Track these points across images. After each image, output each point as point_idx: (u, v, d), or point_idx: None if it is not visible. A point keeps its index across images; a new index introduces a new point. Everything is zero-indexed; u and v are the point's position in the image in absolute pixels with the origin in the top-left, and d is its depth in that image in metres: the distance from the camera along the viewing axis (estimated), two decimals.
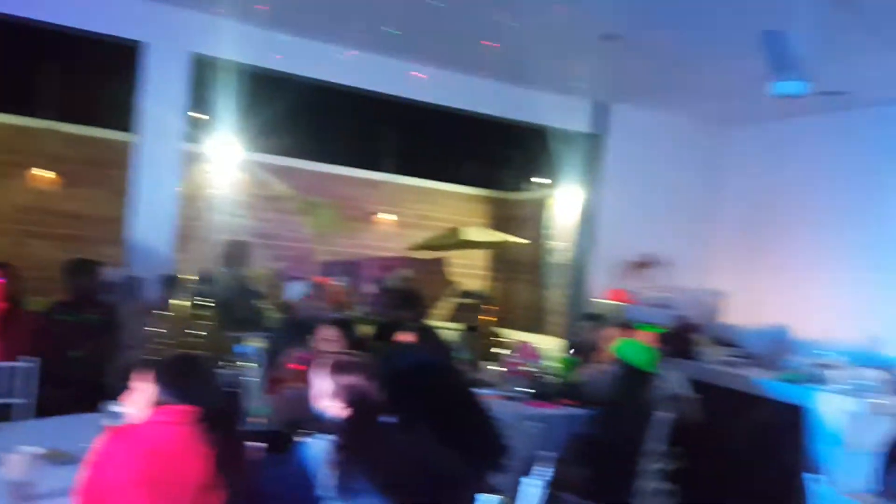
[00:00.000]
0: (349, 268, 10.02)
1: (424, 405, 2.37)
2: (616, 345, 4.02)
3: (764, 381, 4.91)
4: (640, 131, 6.31)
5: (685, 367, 5.02)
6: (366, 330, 5.46)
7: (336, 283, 9.09)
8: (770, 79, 3.47)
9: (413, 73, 5.50)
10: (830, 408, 4.39)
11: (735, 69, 4.85)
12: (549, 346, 6.05)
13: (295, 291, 5.40)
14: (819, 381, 4.57)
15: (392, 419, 2.17)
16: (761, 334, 5.83)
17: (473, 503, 2.23)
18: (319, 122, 8.06)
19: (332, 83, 5.52)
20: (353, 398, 2.15)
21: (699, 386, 4.84)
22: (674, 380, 4.38)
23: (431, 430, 2.30)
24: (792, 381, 4.74)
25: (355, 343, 3.31)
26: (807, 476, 3.21)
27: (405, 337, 3.02)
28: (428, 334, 3.15)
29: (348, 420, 2.14)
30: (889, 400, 4.26)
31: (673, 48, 4.68)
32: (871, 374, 4.37)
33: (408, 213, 10.75)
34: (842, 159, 5.74)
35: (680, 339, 5.45)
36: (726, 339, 5.93)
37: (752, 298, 6.14)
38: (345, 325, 3.59)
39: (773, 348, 5.57)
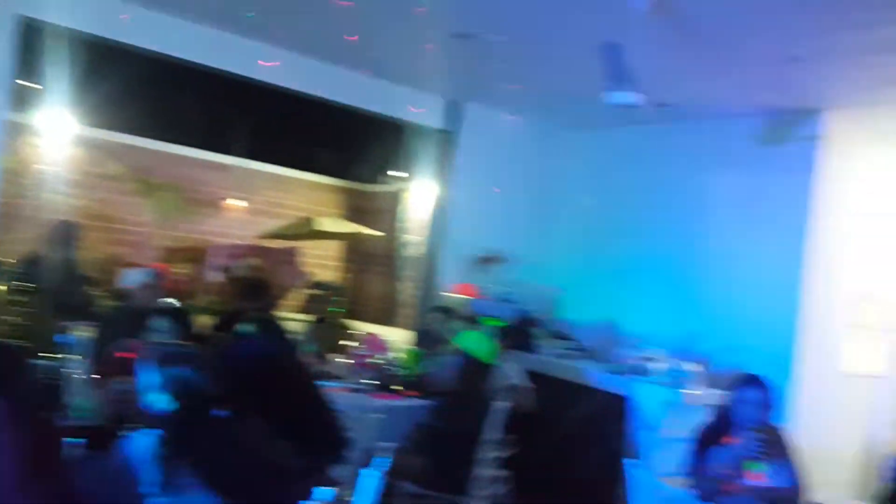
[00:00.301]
0: (194, 255, 9.59)
1: (261, 397, 2.33)
2: (459, 337, 4.14)
3: (593, 373, 5.24)
4: (490, 130, 6.50)
5: (524, 359, 5.27)
6: (208, 320, 5.26)
7: (178, 270, 8.67)
8: (606, 88, 3.70)
9: (262, 62, 5.34)
10: (650, 397, 4.77)
11: (576, 76, 5.10)
12: (399, 339, 6.12)
13: (132, 279, 5.09)
14: (642, 372, 4.95)
15: (223, 412, 2.11)
16: (593, 329, 6.22)
17: (310, 496, 2.22)
18: (165, 99, 7.58)
19: (181, 59, 5.23)
20: (180, 391, 2.07)
21: (536, 377, 5.10)
22: (512, 371, 4.58)
23: (268, 423, 2.26)
24: (618, 372, 5.10)
25: (190, 334, 3.19)
26: (627, 461, 3.46)
27: (246, 328, 2.94)
28: (270, 325, 3.09)
29: (175, 413, 2.06)
30: (702, 390, 4.68)
31: (520, 50, 4.85)
32: (687, 367, 4.79)
33: (259, 200, 10.43)
34: (667, 167, 6.21)
35: (520, 333, 5.71)
36: (562, 333, 6.27)
37: (587, 294, 6.53)
38: (179, 315, 3.45)
39: (604, 342, 5.96)
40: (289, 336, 3.34)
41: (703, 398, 4.53)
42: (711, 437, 3.38)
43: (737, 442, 3.24)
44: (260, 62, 5.35)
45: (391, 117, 6.32)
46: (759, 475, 3.29)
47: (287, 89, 5.77)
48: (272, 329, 2.96)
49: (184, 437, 2.05)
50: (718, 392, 3.64)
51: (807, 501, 3.28)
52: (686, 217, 6.04)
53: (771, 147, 5.52)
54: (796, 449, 3.45)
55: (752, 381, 3.38)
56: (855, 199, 5.56)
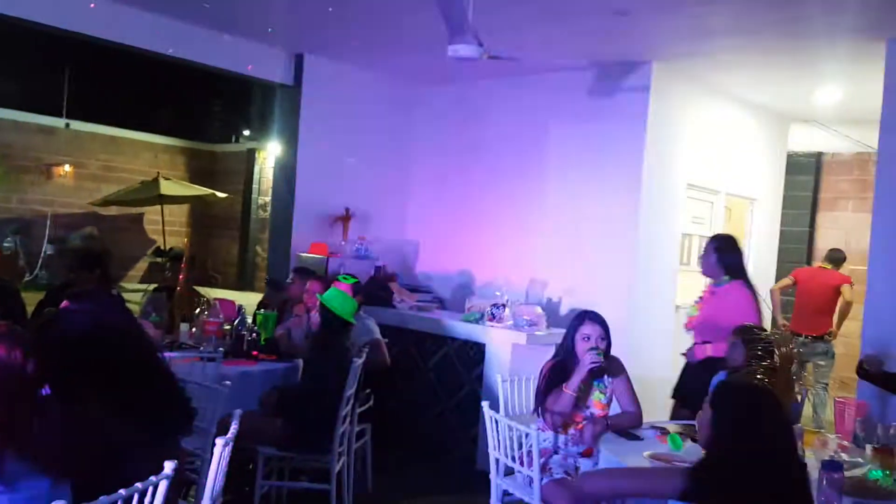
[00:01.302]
0: (21, 226, 8.81)
1: (94, 374, 2.19)
2: (318, 295, 4.09)
3: (450, 322, 5.38)
4: (337, 84, 6.38)
5: (381, 313, 5.32)
6: (37, 296, 4.88)
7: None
8: (449, 41, 3.72)
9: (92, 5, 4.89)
10: (501, 341, 4.98)
11: (422, 29, 5.09)
12: (252, 303, 5.97)
13: None
14: (493, 318, 5.14)
15: (48, 391, 1.97)
16: (448, 280, 6.37)
17: (159, 469, 2.13)
18: None
19: None
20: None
21: (393, 331, 5.17)
22: (369, 326, 4.61)
23: (103, 400, 2.14)
24: (472, 320, 5.26)
25: (10, 310, 2.94)
26: (483, 403, 3.60)
27: (76, 301, 2.74)
28: (99, 297, 2.89)
29: None
30: (544, 332, 4.94)
31: (363, 4, 4.77)
32: (531, 311, 5.03)
33: (93, 165, 9.70)
34: (513, 120, 6.41)
35: (376, 287, 5.74)
36: (418, 286, 6.38)
37: (442, 247, 6.67)
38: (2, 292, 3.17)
39: (458, 292, 6.13)
40: (123, 307, 3.14)
41: (549, 338, 4.78)
42: (557, 373, 3.58)
43: (580, 375, 3.45)
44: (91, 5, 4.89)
45: (235, 73, 6.04)
46: (602, 404, 3.54)
47: (120, 44, 5.35)
48: (102, 300, 2.77)
49: (6, 421, 1.90)
50: (562, 331, 3.85)
51: (646, 425, 3.56)
52: (532, 167, 6.27)
53: (604, 98, 5.81)
54: (632, 377, 3.74)
55: (590, 316, 3.60)
56: (679, 145, 6.00)
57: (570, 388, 3.44)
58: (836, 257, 6.72)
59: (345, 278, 4.53)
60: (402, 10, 4.86)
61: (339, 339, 4.00)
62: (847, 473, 2.83)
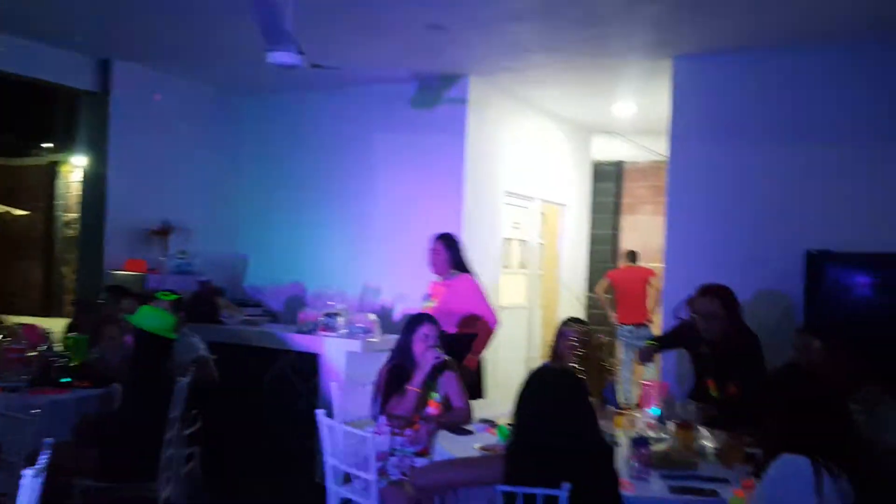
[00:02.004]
0: None
1: None
2: (133, 314, 3.86)
3: (283, 335, 5.29)
4: (151, 92, 6.05)
5: (209, 330, 5.11)
6: None
7: None
8: (267, 48, 3.68)
9: None
10: (336, 350, 4.98)
11: (241, 37, 4.98)
12: (59, 328, 5.50)
13: None
14: (327, 328, 5.12)
15: None
16: (279, 292, 6.26)
17: None
18: None
19: None
20: None
21: (222, 347, 4.99)
22: (194, 344, 4.41)
23: None
24: (305, 331, 5.21)
25: None
26: (318, 412, 3.58)
27: None
28: None
29: None
30: (378, 338, 5.01)
31: (177, 7, 4.58)
32: (364, 319, 5.09)
33: None
34: (339, 131, 6.43)
35: (201, 304, 5.51)
36: (248, 300, 6.20)
37: (272, 259, 6.53)
38: None
39: (290, 303, 6.04)
40: None
41: (384, 344, 4.85)
42: (396, 376, 3.64)
43: (423, 372, 3.54)
44: None
45: (35, 79, 5.55)
46: (436, 403, 3.65)
47: None
48: None
49: None
50: (395, 336, 3.92)
51: (477, 419, 3.72)
52: (360, 177, 6.32)
53: (426, 110, 6.01)
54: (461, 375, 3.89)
55: (423, 319, 3.71)
56: (497, 155, 6.33)
57: (414, 385, 3.51)
58: (634, 255, 7.79)
59: (163, 295, 4.31)
60: (215, 17, 4.72)
61: (160, 359, 3.80)
62: (653, 448, 3.13)
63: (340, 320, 5.11)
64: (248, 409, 5.29)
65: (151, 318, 3.72)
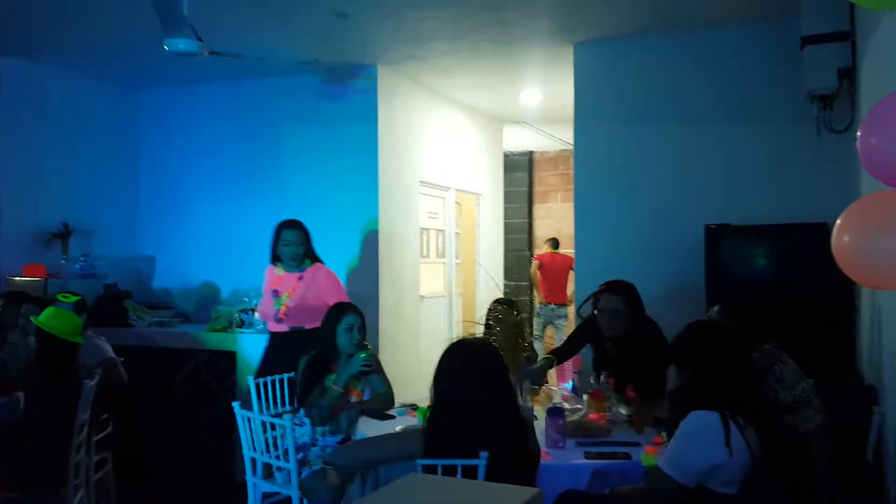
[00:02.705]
0: None
1: None
2: (31, 318, 3.67)
3: (196, 335, 5.15)
4: (39, 88, 5.72)
5: (117, 333, 4.92)
6: None
7: None
8: (165, 35, 3.56)
9: None
10: (253, 346, 4.89)
11: (135, 28, 4.78)
12: None
13: None
14: (242, 324, 5.03)
15: None
16: (191, 293, 6.08)
17: None
18: None
19: None
20: None
21: (131, 350, 4.81)
22: (99, 346, 4.25)
23: None
24: (219, 329, 5.09)
25: None
26: (234, 404, 3.52)
27: None
28: None
29: None
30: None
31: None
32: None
33: None
34: (245, 124, 6.28)
35: (106, 306, 5.31)
36: (157, 302, 6.00)
37: (181, 259, 6.33)
38: None
39: (202, 303, 5.88)
40: None
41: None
42: (316, 368, 3.61)
43: (348, 373, 3.53)
44: None
45: None
46: (357, 391, 3.64)
47: None
48: None
49: None
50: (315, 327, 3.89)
51: (398, 404, 3.74)
52: (271, 170, 6.20)
53: (335, 100, 5.95)
54: (384, 363, 3.91)
55: (352, 308, 3.70)
56: (409, 145, 6.35)
57: (338, 385, 3.51)
58: (557, 242, 8.50)
59: (64, 297, 4.14)
60: (108, 7, 4.50)
61: (64, 362, 3.64)
62: (569, 418, 3.23)
63: (256, 315, 5.01)
64: (162, 411, 5.12)
65: (57, 319, 3.56)
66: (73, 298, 4.00)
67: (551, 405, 3.40)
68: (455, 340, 2.48)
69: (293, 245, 4.35)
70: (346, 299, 4.12)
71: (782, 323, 3.52)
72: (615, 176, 5.24)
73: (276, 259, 4.41)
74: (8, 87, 5.48)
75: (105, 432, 4.05)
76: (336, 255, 5.88)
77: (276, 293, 4.36)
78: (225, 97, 6.32)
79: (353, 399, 3.65)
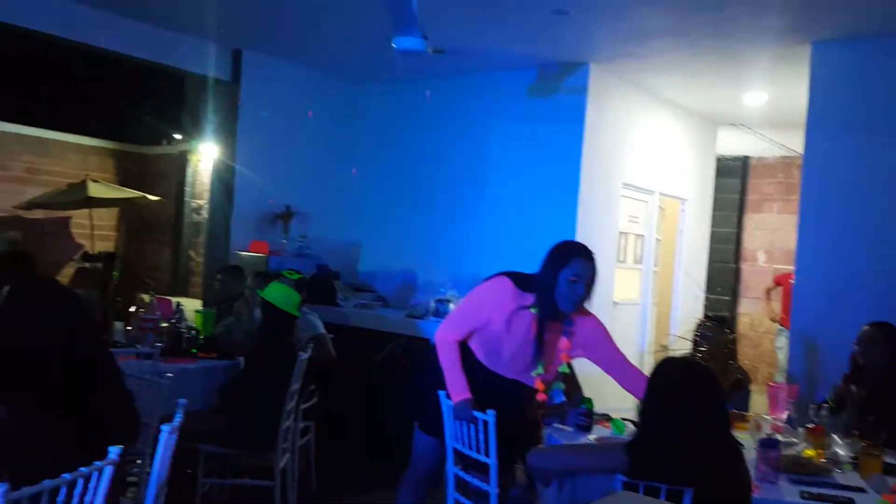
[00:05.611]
0: None
1: (34, 370, 2.10)
2: (261, 289, 4.03)
3: (394, 319, 5.36)
4: (277, 81, 6.29)
5: (325, 311, 5.26)
6: None
7: None
8: (394, 33, 3.72)
9: None
10: None
11: (364, 26, 5.09)
12: (188, 304, 5.82)
13: None
14: (438, 314, 5.15)
15: None
16: (392, 278, 6.35)
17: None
18: None
19: None
20: None
21: (337, 328, 5.11)
22: (313, 322, 4.55)
23: (39, 398, 2.05)
24: (417, 316, 5.26)
25: None
26: (440, 393, 3.59)
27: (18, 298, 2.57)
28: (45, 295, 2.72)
29: None
30: None
31: None
32: None
33: (14, 167, 9.28)
34: (453, 120, 6.44)
35: (319, 285, 5.68)
36: (362, 284, 6.34)
37: (384, 246, 6.65)
38: None
39: (402, 289, 6.12)
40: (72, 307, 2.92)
41: None
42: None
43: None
44: None
45: (169, 68, 5.88)
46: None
47: (47, 34, 5.10)
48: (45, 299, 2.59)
49: None
50: None
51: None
52: (473, 165, 6.32)
53: (543, 98, 5.91)
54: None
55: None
56: (615, 145, 6.16)
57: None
58: None
59: (289, 273, 4.47)
60: (341, 6, 4.82)
61: (283, 334, 3.95)
62: (783, 452, 2.95)
63: (451, 306, 5.11)
64: (359, 388, 5.39)
65: (280, 293, 3.88)
66: (296, 276, 4.32)
67: (762, 436, 3.13)
68: (666, 358, 2.34)
69: (581, 282, 3.01)
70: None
71: None
72: (849, 189, 4.72)
73: (539, 289, 3.08)
74: (249, 79, 6.06)
75: (310, 402, 4.34)
76: (527, 254, 5.86)
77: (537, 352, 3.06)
78: (436, 93, 6.52)
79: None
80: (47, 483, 1.74)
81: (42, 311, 2.22)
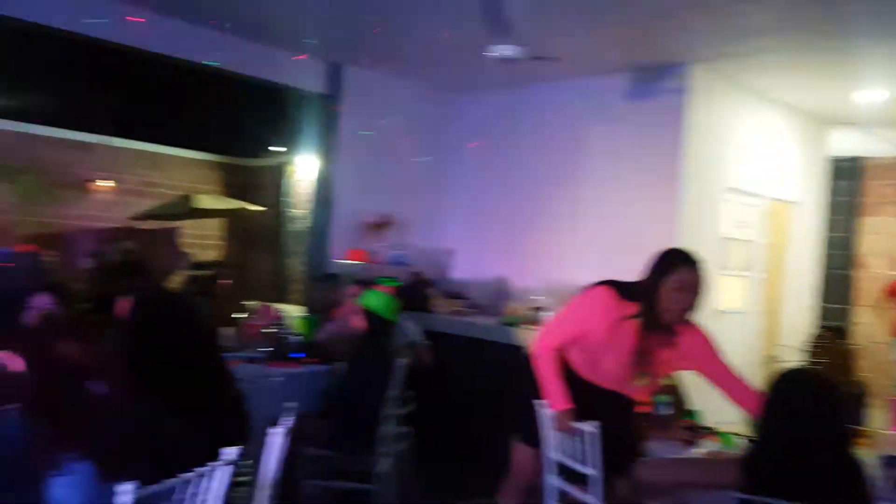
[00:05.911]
0: (60, 241, 8.96)
1: (158, 372, 2.20)
2: (361, 296, 4.12)
3: (488, 327, 5.35)
4: (374, 94, 6.42)
5: (420, 318, 5.31)
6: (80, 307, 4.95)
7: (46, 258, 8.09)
8: (489, 42, 3.73)
9: (130, 18, 4.97)
10: None
11: (459, 38, 5.11)
12: (291, 311, 6.00)
13: None
14: (532, 321, 5.11)
15: (102, 387, 1.99)
16: (485, 286, 6.35)
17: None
18: (14, 72, 6.89)
19: (31, 23, 4.78)
20: (47, 366, 1.94)
21: (433, 335, 5.15)
22: (410, 329, 4.60)
23: (165, 399, 2.15)
24: (510, 324, 5.23)
25: (71, 311, 2.99)
26: (537, 402, 3.54)
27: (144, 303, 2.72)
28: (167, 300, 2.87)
29: (40, 389, 1.93)
30: None
31: (400, 8, 4.79)
32: None
33: (129, 180, 9.88)
34: (548, 127, 6.38)
35: (415, 293, 5.74)
36: (455, 292, 6.36)
37: (477, 254, 6.65)
38: (60, 292, 3.23)
39: (495, 297, 6.10)
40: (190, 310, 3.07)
41: None
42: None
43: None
44: (129, 18, 4.95)
45: (270, 83, 6.10)
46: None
47: (152, 53, 5.40)
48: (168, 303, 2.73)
49: (50, 413, 1.92)
50: None
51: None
52: (568, 172, 6.23)
53: (641, 101, 5.77)
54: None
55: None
56: (719, 148, 5.93)
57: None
58: None
59: (386, 281, 4.55)
60: (440, 20, 4.87)
61: (383, 340, 4.01)
62: None
63: (545, 314, 5.06)
64: (454, 395, 5.40)
65: (378, 300, 3.95)
66: (393, 283, 4.38)
67: (884, 453, 2.93)
68: (785, 370, 2.22)
69: (687, 291, 2.88)
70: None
71: None
72: None
73: (642, 298, 2.98)
74: (348, 92, 6.21)
75: (409, 408, 4.38)
76: (628, 261, 5.72)
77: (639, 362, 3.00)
78: (528, 100, 6.49)
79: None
80: (173, 482, 1.82)
81: (168, 317, 2.34)
